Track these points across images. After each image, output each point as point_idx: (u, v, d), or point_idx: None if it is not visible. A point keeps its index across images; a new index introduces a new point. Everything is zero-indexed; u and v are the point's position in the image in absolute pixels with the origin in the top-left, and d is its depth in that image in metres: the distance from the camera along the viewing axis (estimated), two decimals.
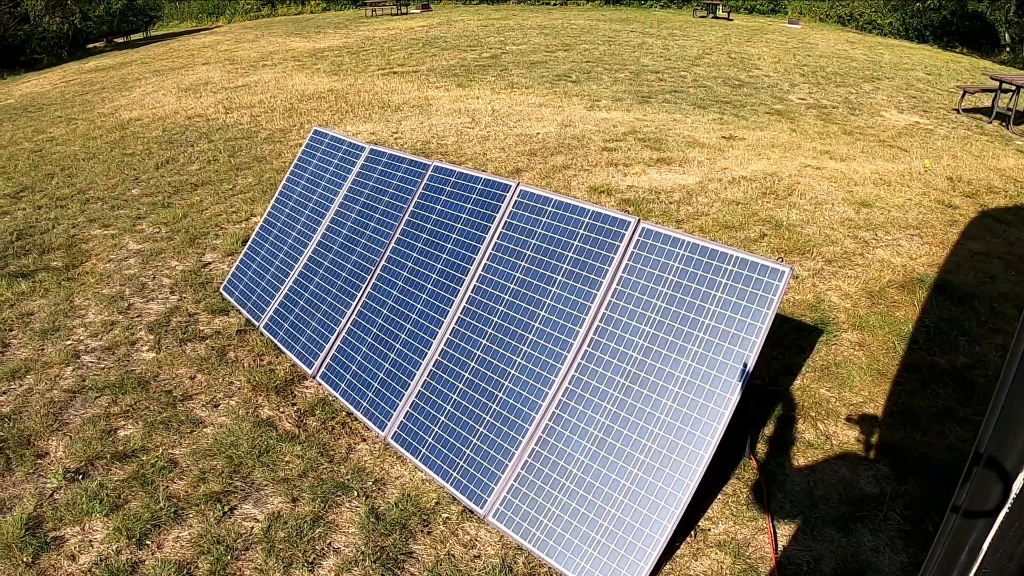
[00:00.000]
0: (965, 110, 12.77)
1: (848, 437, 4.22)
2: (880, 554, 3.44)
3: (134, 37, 30.48)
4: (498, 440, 3.76)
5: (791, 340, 5.13)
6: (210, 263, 6.63)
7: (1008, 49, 21.92)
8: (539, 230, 4.07)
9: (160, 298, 6.00)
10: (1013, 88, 12.04)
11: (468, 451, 3.83)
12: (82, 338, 5.41)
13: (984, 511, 1.82)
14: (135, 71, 18.65)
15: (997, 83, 12.35)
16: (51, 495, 3.85)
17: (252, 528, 3.65)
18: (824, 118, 11.73)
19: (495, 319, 4.05)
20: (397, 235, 4.78)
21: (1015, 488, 1.71)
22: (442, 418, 4.02)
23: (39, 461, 4.12)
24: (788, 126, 11.06)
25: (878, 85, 14.76)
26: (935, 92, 14.52)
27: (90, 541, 3.56)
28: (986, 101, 13.10)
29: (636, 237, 3.72)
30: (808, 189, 8.00)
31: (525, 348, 3.87)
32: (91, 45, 28.19)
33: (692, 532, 3.58)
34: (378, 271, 4.78)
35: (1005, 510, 1.74)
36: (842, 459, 4.05)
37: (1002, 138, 11.08)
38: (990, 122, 12.10)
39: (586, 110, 11.87)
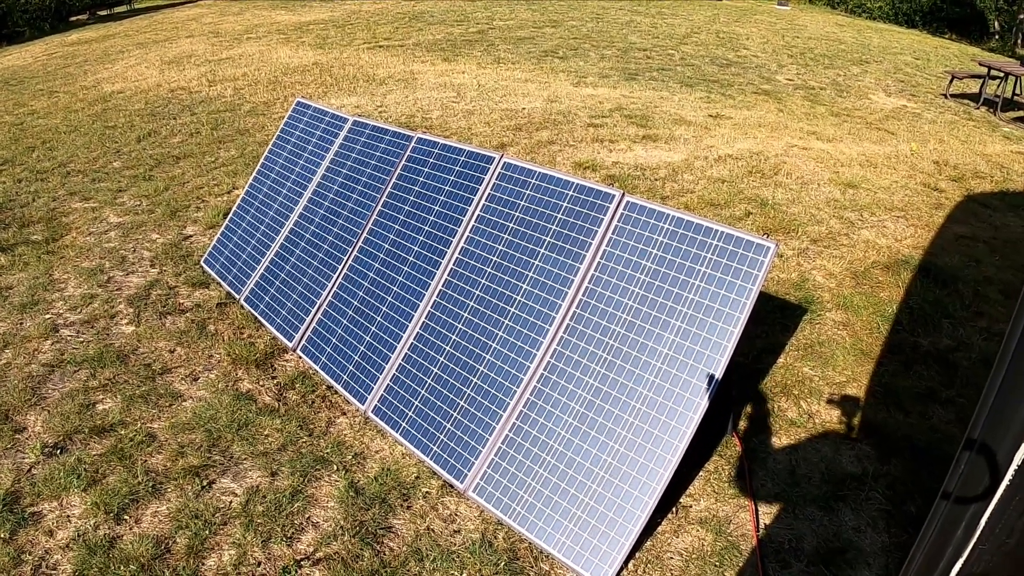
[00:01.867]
0: (953, 95, 12.77)
1: (831, 416, 4.22)
2: (862, 533, 3.44)
3: (118, 10, 30.01)
4: (479, 414, 3.73)
5: (775, 319, 5.12)
6: (191, 236, 6.55)
7: (997, 36, 21.92)
8: (522, 203, 4.02)
9: (140, 271, 5.93)
10: (1001, 75, 12.04)
11: (449, 425, 3.80)
12: (61, 312, 5.34)
13: (983, 491, 1.81)
14: (118, 44, 18.37)
15: (985, 69, 12.34)
16: (29, 470, 3.81)
17: (231, 502, 3.62)
18: (812, 99, 11.70)
19: (477, 292, 4.01)
20: (379, 207, 4.72)
21: (1016, 461, 1.69)
22: (423, 391, 3.98)
23: (17, 436, 4.08)
24: (775, 106, 11.03)
25: (866, 68, 14.74)
26: (923, 77, 14.51)
27: (68, 516, 3.53)
28: (974, 87, 13.10)
29: (620, 211, 3.68)
30: (794, 169, 7.97)
31: (507, 321, 3.84)
32: (74, 18, 27.75)
33: (674, 509, 3.57)
34: (359, 243, 4.72)
35: (1005, 483, 1.73)
36: (825, 438, 4.05)
37: (989, 124, 11.09)
38: (977, 108, 12.10)
39: (572, 86, 11.79)
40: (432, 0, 23.11)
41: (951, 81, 12.79)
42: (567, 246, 3.77)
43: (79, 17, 27.82)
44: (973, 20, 22.92)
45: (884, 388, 4.47)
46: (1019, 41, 20.61)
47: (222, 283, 5.54)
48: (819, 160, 8.36)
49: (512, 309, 3.85)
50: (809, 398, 4.35)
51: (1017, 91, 12.46)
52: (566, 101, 10.72)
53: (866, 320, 5.14)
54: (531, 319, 3.77)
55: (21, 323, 5.20)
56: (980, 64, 12.72)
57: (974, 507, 1.83)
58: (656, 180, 7.52)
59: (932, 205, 7.27)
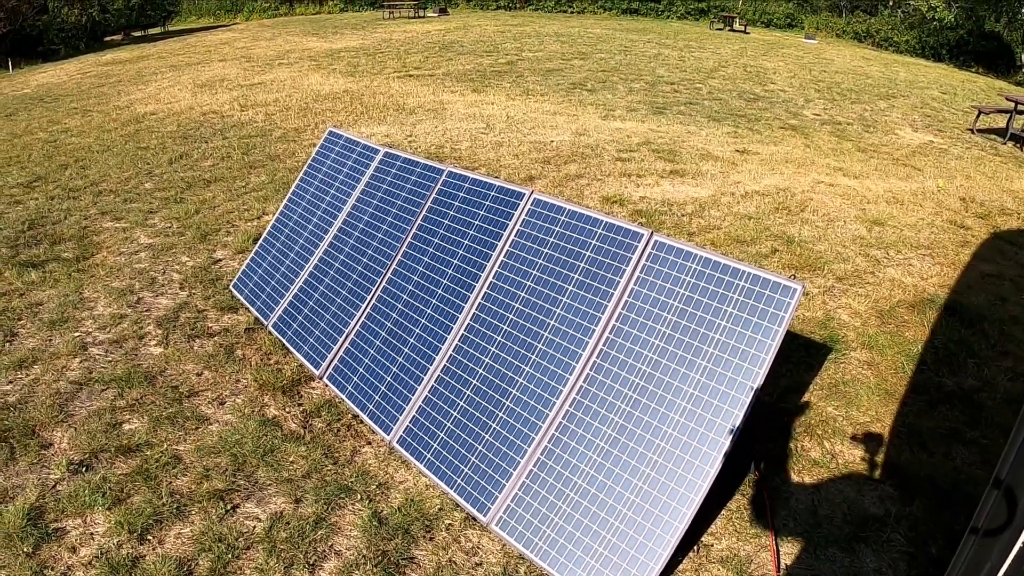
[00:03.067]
0: (979, 130, 12.73)
1: (854, 456, 4.20)
2: (883, 575, 3.43)
3: (152, 31, 30.63)
4: (503, 448, 3.76)
5: (800, 357, 5.11)
6: (221, 260, 6.64)
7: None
8: (551, 239, 4.06)
9: (170, 293, 6.01)
10: None
11: (473, 458, 3.82)
12: (90, 330, 5.42)
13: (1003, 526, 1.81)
14: (152, 65, 18.72)
15: (1013, 104, 12.30)
16: (54, 486, 3.86)
17: (254, 527, 3.65)
18: (838, 134, 11.71)
19: (505, 326, 4.05)
20: (409, 239, 4.78)
21: None
22: (448, 424, 4.01)
23: (43, 452, 4.13)
24: (802, 141, 11.04)
25: (893, 103, 14.73)
26: (950, 111, 14.48)
27: (91, 534, 3.56)
28: (1001, 122, 13.06)
29: (648, 250, 3.71)
30: (821, 205, 7.98)
31: (534, 357, 3.87)
32: (109, 38, 28.33)
33: (695, 547, 3.56)
34: (389, 274, 4.78)
35: None
36: (847, 478, 4.03)
37: (1016, 159, 11.04)
38: (1004, 143, 12.05)
39: (600, 119, 11.87)
40: (462, 30, 23.36)
41: (978, 116, 12.75)
42: (595, 283, 3.81)
43: (114, 37, 28.37)
44: (1000, 54, 22.86)
45: (908, 428, 4.45)
46: None
47: (251, 308, 5.61)
48: (845, 197, 8.35)
49: (539, 345, 3.88)
50: (832, 438, 4.34)
51: None
52: (594, 134, 10.79)
53: (891, 360, 5.12)
54: (558, 355, 3.79)
55: (50, 340, 5.28)
56: (1007, 99, 12.69)
57: (1005, 537, 1.83)
58: (683, 216, 7.55)
59: (958, 243, 7.24)
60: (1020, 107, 12.15)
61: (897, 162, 10.28)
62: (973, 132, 12.67)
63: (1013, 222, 7.99)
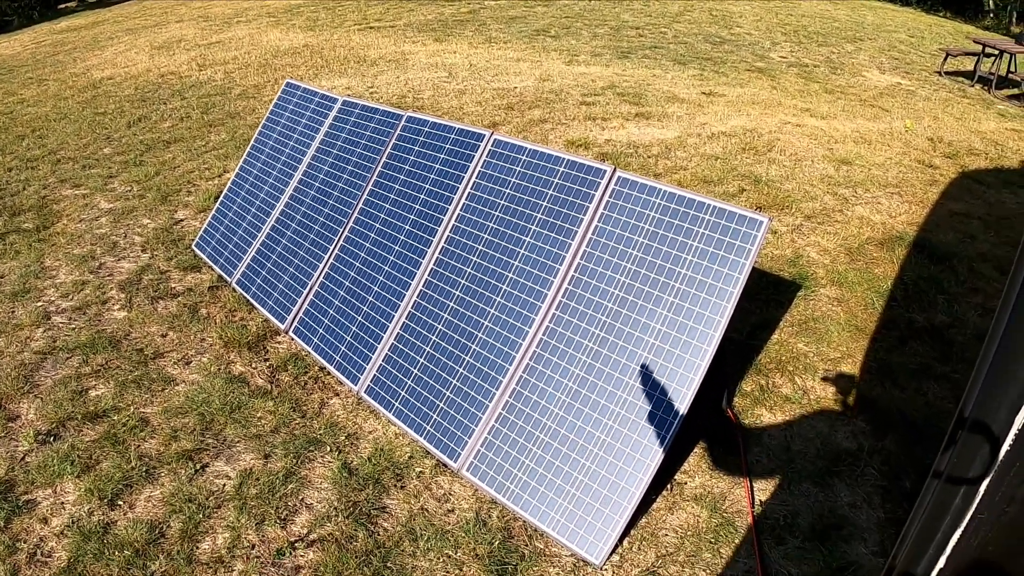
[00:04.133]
0: (947, 73, 12.71)
1: (826, 392, 4.21)
2: (857, 509, 3.44)
3: None
4: (471, 392, 3.71)
5: (769, 295, 5.10)
6: (182, 220, 6.51)
7: (991, 15, 21.82)
8: (513, 179, 3.98)
9: (131, 256, 5.89)
10: (996, 52, 12.00)
11: (441, 404, 3.78)
12: (53, 299, 5.31)
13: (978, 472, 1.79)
14: (107, 30, 18.23)
15: (980, 47, 12.29)
16: (22, 458, 3.80)
17: (224, 485, 3.61)
18: (805, 76, 11.64)
19: (468, 270, 3.98)
20: (369, 187, 4.69)
21: (1016, 424, 1.67)
22: (415, 371, 3.96)
23: (10, 424, 4.06)
24: (769, 83, 10.97)
25: (860, 45, 14.66)
26: (918, 54, 14.45)
27: (62, 503, 3.52)
28: (968, 65, 13.05)
29: (612, 186, 3.64)
30: (788, 146, 7.93)
31: (498, 299, 3.81)
32: (63, 5, 27.53)
33: (668, 486, 3.56)
34: (350, 224, 4.69)
35: (1005, 448, 1.71)
36: (819, 414, 4.04)
37: (983, 101, 11.05)
38: (972, 85, 12.05)
39: (565, 65, 11.72)
40: None
41: (945, 59, 12.73)
42: (558, 222, 3.74)
43: (68, 4, 27.60)
44: None
45: (879, 364, 4.46)
46: (1014, 19, 20.53)
47: (213, 266, 5.51)
48: (813, 137, 8.32)
49: (504, 286, 3.82)
50: (804, 374, 4.34)
51: (1012, 69, 12.40)
52: (558, 80, 10.65)
53: (861, 296, 5.13)
54: (523, 296, 3.74)
55: (13, 311, 5.17)
56: (975, 42, 12.67)
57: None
58: (649, 157, 7.48)
59: (926, 182, 7.24)
60: (988, 50, 12.14)
61: (864, 103, 10.25)
62: (941, 74, 12.65)
63: (981, 162, 8.00)
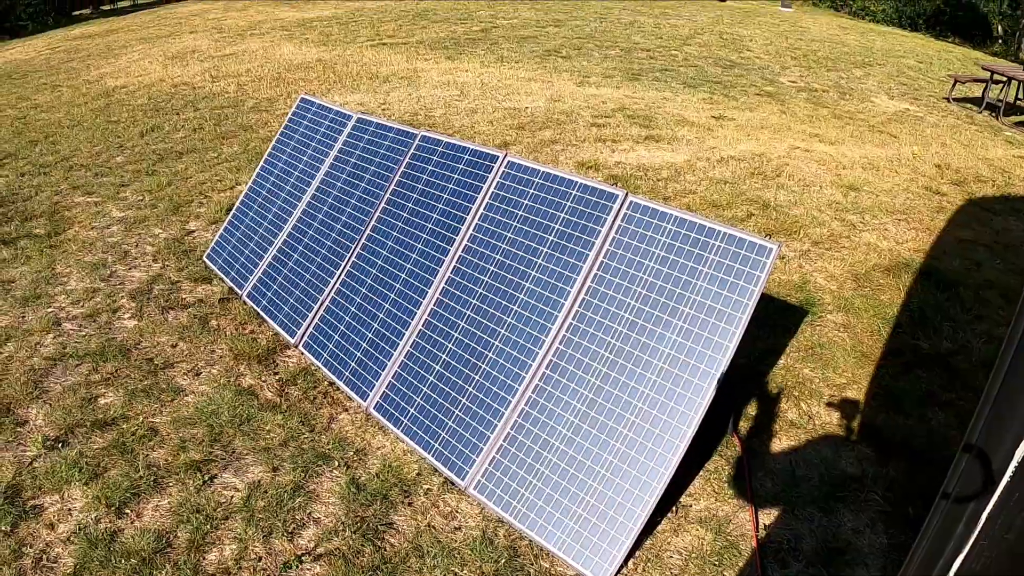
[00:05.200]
0: (956, 99, 12.76)
1: (831, 418, 4.23)
2: (860, 535, 3.45)
3: (121, 4, 29.97)
4: (480, 412, 3.74)
5: (776, 320, 5.13)
6: (194, 231, 6.56)
7: (1000, 41, 21.92)
8: (526, 202, 4.03)
9: (143, 266, 5.93)
10: (1004, 79, 12.04)
11: (450, 422, 3.81)
12: (63, 305, 5.35)
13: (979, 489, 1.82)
14: (122, 38, 18.36)
15: (989, 73, 12.33)
16: (30, 463, 3.82)
17: (232, 497, 3.63)
18: (814, 101, 11.70)
19: (480, 290, 4.02)
20: (383, 204, 4.73)
21: (1017, 456, 1.70)
22: (425, 389, 3.99)
23: (19, 429, 4.08)
24: (778, 108, 11.03)
25: (869, 71, 14.74)
26: (926, 80, 14.51)
27: (69, 510, 3.53)
28: (977, 91, 13.10)
29: (624, 211, 3.68)
30: (796, 171, 7.98)
31: (509, 320, 3.85)
32: (77, 12, 27.72)
33: (674, 508, 3.58)
34: (363, 240, 4.73)
35: (1006, 478, 1.74)
36: (824, 440, 4.06)
37: (991, 128, 11.09)
38: (980, 112, 12.10)
39: (576, 86, 11.79)
40: None
41: (954, 85, 12.78)
42: (570, 245, 3.78)
43: (82, 11, 27.77)
44: (976, 25, 22.92)
45: (884, 390, 4.48)
46: (1022, 46, 20.60)
47: (225, 279, 5.55)
48: (821, 162, 8.36)
49: (515, 307, 3.85)
50: (809, 399, 4.36)
51: (1020, 96, 12.45)
52: (569, 101, 10.72)
53: (867, 323, 5.15)
54: (534, 318, 3.78)
55: (23, 316, 5.20)
56: (983, 68, 12.72)
57: (974, 503, 1.84)
58: (659, 180, 7.53)
59: (934, 208, 7.28)
60: (996, 77, 12.19)
61: (873, 129, 10.30)
62: (949, 101, 12.71)
63: (988, 189, 8.03)
